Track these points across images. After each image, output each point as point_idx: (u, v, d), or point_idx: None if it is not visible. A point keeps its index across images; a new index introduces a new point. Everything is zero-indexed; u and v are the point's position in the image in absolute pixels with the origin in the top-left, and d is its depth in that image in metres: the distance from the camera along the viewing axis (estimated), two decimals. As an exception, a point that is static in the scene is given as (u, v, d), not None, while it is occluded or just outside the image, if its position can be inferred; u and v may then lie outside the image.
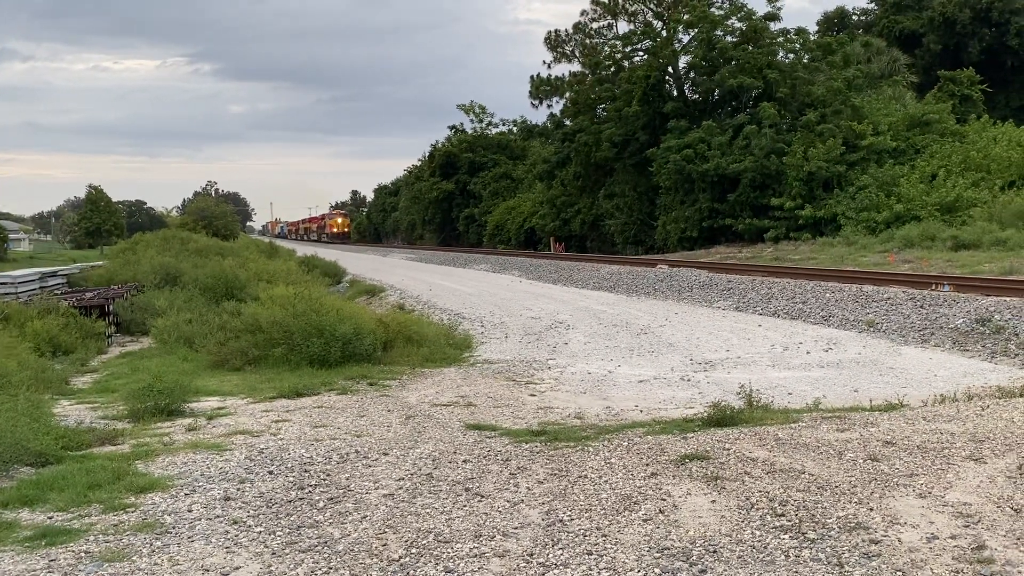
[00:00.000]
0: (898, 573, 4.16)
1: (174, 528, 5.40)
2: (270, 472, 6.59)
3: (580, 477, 6.07)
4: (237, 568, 4.76)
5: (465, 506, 5.60)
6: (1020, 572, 4.07)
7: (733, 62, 37.16)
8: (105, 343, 16.50)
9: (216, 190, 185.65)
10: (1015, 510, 4.86)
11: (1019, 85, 46.70)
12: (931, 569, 4.18)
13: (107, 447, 7.60)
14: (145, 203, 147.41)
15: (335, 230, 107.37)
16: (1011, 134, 32.73)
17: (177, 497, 6.02)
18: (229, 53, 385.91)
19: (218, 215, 57.53)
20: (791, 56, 38.63)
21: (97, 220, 74.26)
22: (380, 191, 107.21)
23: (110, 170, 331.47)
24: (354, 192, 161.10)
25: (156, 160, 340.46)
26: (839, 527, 4.78)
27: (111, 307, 18.95)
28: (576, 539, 4.90)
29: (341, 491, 6.06)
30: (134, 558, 4.92)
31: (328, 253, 47.44)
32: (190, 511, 5.72)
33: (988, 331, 12.34)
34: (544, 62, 49.07)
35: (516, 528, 5.14)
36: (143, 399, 9.05)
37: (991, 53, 45.93)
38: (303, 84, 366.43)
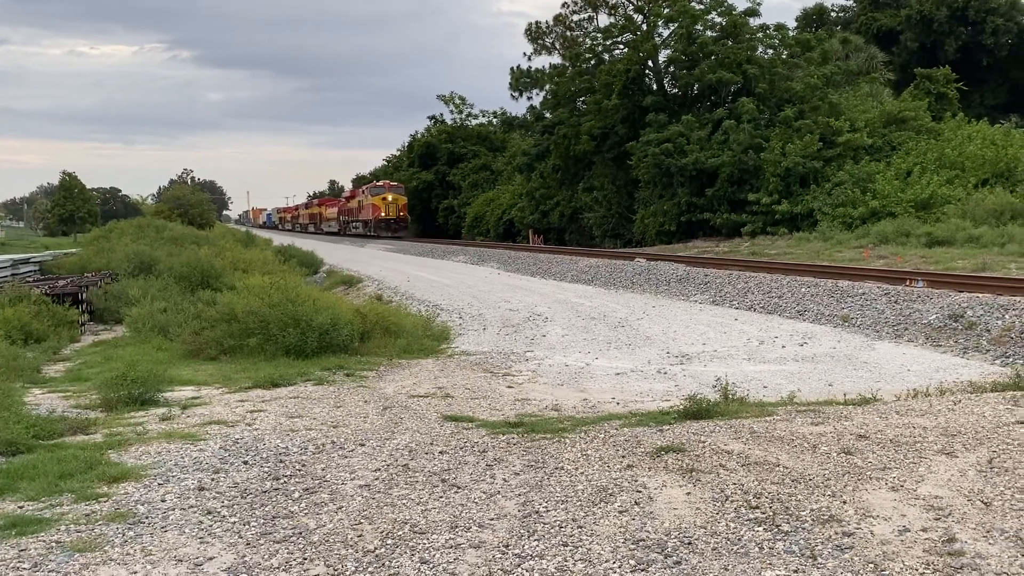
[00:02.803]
0: (870, 565, 4.20)
1: (147, 518, 5.35)
2: (245, 462, 6.55)
3: (556, 469, 6.08)
4: (211, 558, 4.72)
5: (441, 497, 5.59)
6: (990, 564, 4.13)
7: (713, 57, 37.27)
8: (78, 331, 16.32)
9: (192, 178, 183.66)
10: (985, 503, 4.92)
11: (994, 84, 47.25)
12: (903, 561, 4.22)
13: (79, 436, 7.51)
14: (120, 190, 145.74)
15: (382, 215, 61.31)
16: (985, 132, 33.12)
17: (150, 487, 5.97)
18: (208, 40, 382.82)
19: (194, 203, 56.94)
20: (770, 52, 38.82)
21: (70, 207, 73.52)
22: (358, 181, 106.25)
23: (84, 157, 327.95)
24: (332, 182, 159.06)
25: (132, 147, 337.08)
26: (812, 520, 4.82)
27: (84, 295, 18.73)
28: (552, 530, 4.90)
29: (317, 482, 6.03)
30: (106, 548, 4.87)
31: (306, 243, 47.15)
32: (163, 501, 5.67)
33: (961, 327, 12.48)
34: (525, 54, 48.90)
35: (492, 519, 5.14)
36: (116, 388, 8.96)
37: (967, 52, 46.43)
38: (282, 72, 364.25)
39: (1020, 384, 8.15)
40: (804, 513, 4.91)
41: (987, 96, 46.35)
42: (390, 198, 62.28)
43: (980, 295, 13.87)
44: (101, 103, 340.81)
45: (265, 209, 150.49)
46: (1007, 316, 12.23)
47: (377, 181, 67.86)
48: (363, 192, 67.62)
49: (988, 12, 45.90)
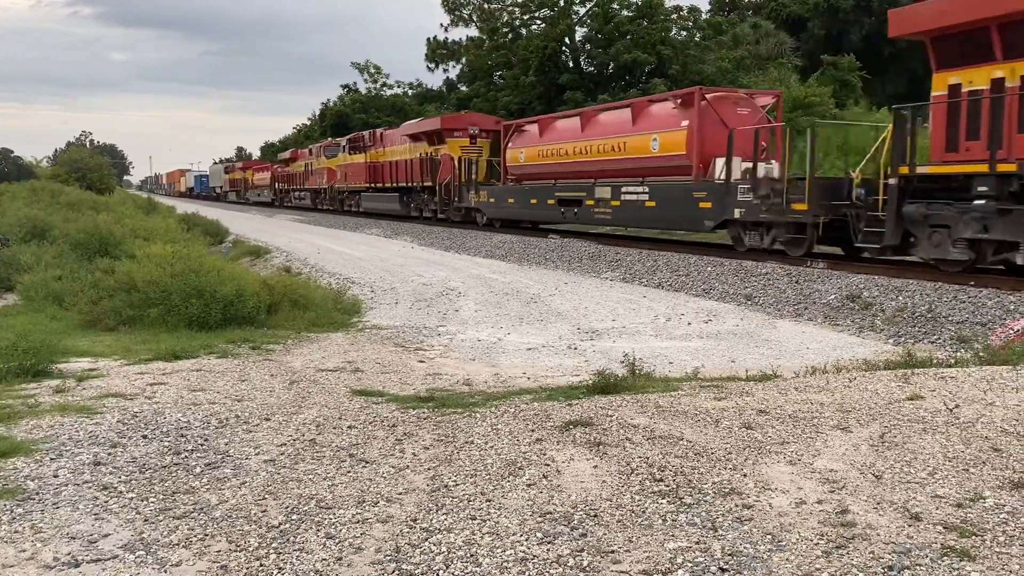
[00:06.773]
0: (768, 536, 4.33)
1: (38, 494, 5.13)
2: (144, 436, 6.34)
3: (466, 443, 6.08)
4: (106, 535, 4.56)
5: (349, 472, 5.53)
6: (879, 535, 4.31)
7: (628, 37, 37.64)
8: (-35, 299, 15.51)
9: (91, 141, 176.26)
10: (876, 476, 5.13)
11: (894, 73, 49.03)
12: (799, 532, 4.37)
13: (-36, 409, 7.14)
14: (12, 152, 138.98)
15: None
16: (886, 120, 34.41)
17: (42, 462, 5.71)
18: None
19: (93, 167, 54.68)
20: (684, 34, 39.42)
21: (-42, 168, 69.62)
22: (267, 149, 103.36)
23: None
24: (239, 148, 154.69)
25: (28, 107, 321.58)
26: (714, 492, 4.94)
27: (-28, 261, 17.75)
28: (461, 504, 4.90)
29: (219, 456, 5.88)
30: (-8, 526, 4.65)
31: (211, 212, 45.80)
32: (56, 476, 5.44)
33: (857, 307, 12.99)
34: (441, 25, 48.13)
35: (401, 494, 5.10)
36: (6, 359, 8.53)
37: (870, 41, 48.04)
38: (192, 34, 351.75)
39: (910, 362, 8.52)
40: (706, 486, 5.03)
41: (888, 85, 48.10)
42: None
43: (876, 277, 14.45)
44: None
45: (190, 169, 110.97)
46: (900, 297, 12.78)
47: None
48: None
49: (890, 3, 47.53)
